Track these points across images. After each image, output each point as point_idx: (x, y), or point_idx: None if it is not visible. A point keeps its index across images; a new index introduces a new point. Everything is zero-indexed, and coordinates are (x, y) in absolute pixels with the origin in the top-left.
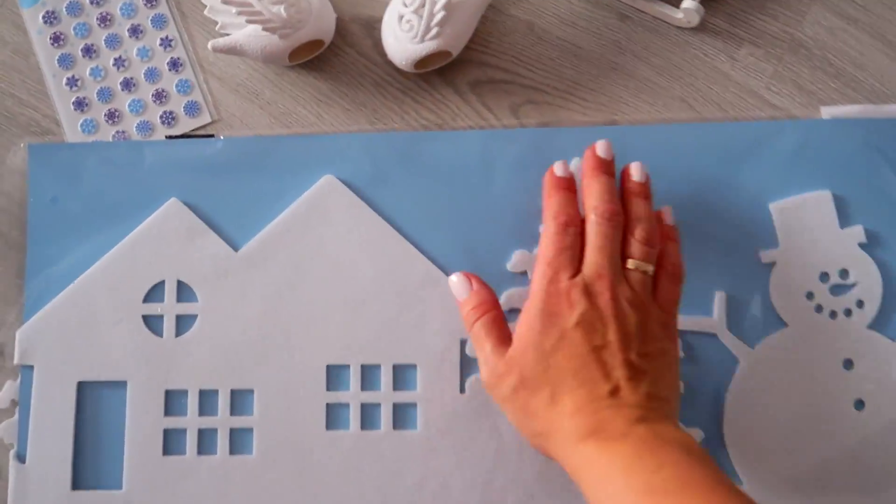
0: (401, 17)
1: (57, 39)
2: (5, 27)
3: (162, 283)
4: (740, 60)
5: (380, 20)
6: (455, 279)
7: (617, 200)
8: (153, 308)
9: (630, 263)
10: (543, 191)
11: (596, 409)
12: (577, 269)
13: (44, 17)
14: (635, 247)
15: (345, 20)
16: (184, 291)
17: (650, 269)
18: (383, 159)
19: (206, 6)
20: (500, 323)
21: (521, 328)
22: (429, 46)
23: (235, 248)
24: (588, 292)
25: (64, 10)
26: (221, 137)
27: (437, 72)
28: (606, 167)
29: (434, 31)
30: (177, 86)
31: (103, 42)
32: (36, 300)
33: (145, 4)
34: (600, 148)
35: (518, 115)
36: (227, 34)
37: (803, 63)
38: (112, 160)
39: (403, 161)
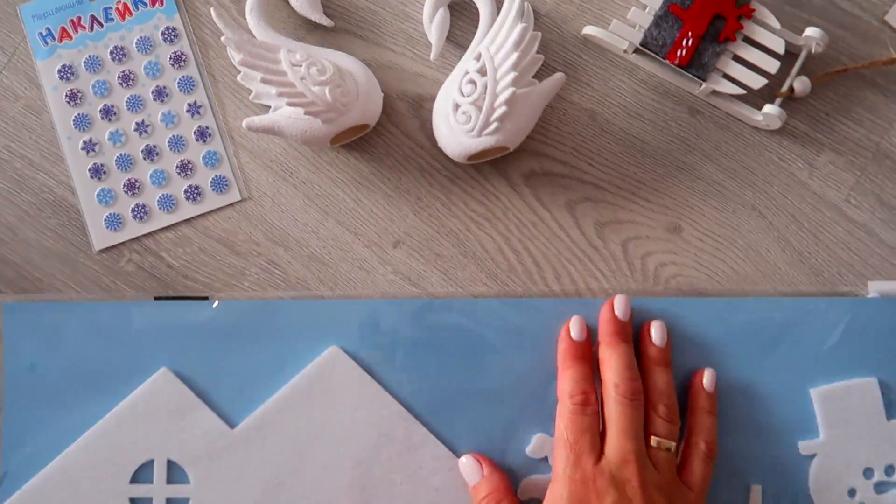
0: (456, 107)
1: (74, 97)
2: (17, 79)
3: (151, 462)
4: (819, 168)
5: (428, 98)
6: (465, 462)
7: (638, 375)
8: (141, 490)
9: (653, 441)
10: (558, 356)
11: None
12: (599, 452)
13: (60, 71)
14: (658, 424)
15: (390, 97)
16: (174, 472)
17: (673, 446)
18: (393, 328)
19: (239, 71)
20: None
21: None
22: (486, 142)
23: (231, 425)
24: (615, 480)
25: (82, 64)
26: (216, 302)
27: (490, 160)
28: (625, 333)
29: (493, 126)
30: (204, 157)
31: (125, 104)
32: (12, 479)
33: (172, 65)
34: (619, 307)
35: (574, 213)
36: (263, 104)
37: (887, 175)
38: (97, 323)
39: (415, 330)
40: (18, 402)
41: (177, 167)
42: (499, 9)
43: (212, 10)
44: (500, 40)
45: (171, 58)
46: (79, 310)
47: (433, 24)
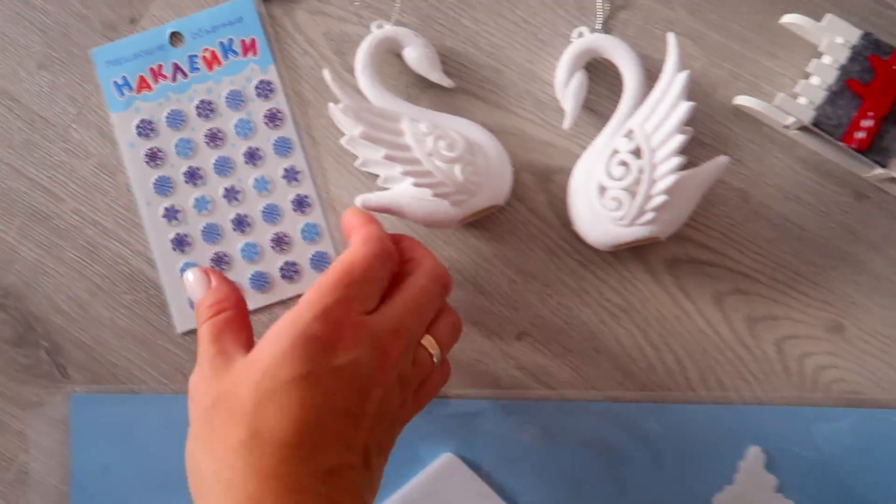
0: (603, 190)
1: (154, 157)
2: (88, 133)
3: None
4: None
5: (557, 171)
6: (191, 276)
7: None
8: None
9: (426, 341)
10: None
11: (298, 481)
12: (371, 310)
13: (138, 127)
14: (444, 330)
15: (514, 168)
16: None
17: (438, 358)
18: (515, 432)
19: (342, 134)
20: (240, 326)
21: (266, 340)
22: (638, 232)
23: None
24: (374, 343)
25: (164, 119)
26: None
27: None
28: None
29: (649, 216)
30: (302, 231)
31: (212, 166)
32: None
33: (266, 123)
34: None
35: (723, 307)
36: (370, 172)
37: None
38: (179, 418)
39: (540, 435)
40: None
41: (271, 241)
42: (646, 75)
43: (325, 72)
44: (657, 118)
45: (265, 115)
46: (159, 402)
47: (569, 89)
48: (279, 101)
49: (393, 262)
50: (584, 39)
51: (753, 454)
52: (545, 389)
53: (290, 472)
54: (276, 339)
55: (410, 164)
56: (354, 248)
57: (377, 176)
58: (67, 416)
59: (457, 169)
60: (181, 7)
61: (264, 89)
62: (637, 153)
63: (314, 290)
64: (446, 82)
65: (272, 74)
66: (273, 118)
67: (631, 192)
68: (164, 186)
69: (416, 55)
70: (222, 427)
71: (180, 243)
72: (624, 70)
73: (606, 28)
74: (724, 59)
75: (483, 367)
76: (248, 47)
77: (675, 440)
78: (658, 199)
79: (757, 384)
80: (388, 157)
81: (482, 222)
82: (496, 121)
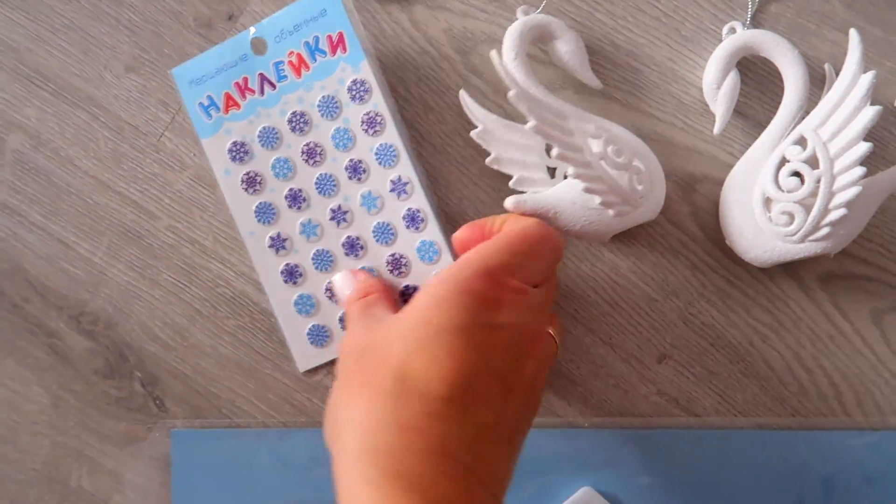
0: (767, 202)
1: (252, 183)
2: (183, 142)
3: None
4: None
5: (702, 180)
6: (338, 279)
7: None
8: None
9: (553, 331)
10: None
11: (441, 442)
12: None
13: (231, 151)
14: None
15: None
16: None
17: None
18: (661, 463)
19: (475, 125)
20: (389, 304)
21: (423, 291)
22: (810, 249)
23: None
24: (534, 314)
25: (257, 139)
26: None
27: None
28: None
29: (824, 231)
30: (419, 249)
31: (314, 186)
32: None
33: (366, 130)
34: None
35: (882, 325)
36: (501, 171)
37: None
38: (287, 454)
39: (687, 467)
40: None
41: (388, 263)
42: (809, 75)
43: (492, 53)
44: (836, 123)
45: (363, 121)
46: (267, 437)
47: (721, 91)
48: (377, 103)
49: (558, 258)
50: (738, 36)
51: None
52: (688, 417)
53: (435, 430)
54: (434, 289)
55: (582, 167)
56: (530, 222)
57: (505, 177)
58: (166, 453)
59: (626, 177)
60: (283, 1)
61: (359, 90)
62: (811, 162)
63: (476, 251)
64: (595, 83)
65: (365, 72)
66: (372, 123)
67: (805, 205)
68: (266, 214)
69: (567, 49)
70: (370, 372)
71: (291, 274)
72: (786, 71)
73: (755, 22)
74: (884, 56)
75: (620, 393)
76: (337, 43)
77: (831, 469)
78: (838, 213)
79: None
80: (561, 157)
81: (619, 235)
82: (635, 124)
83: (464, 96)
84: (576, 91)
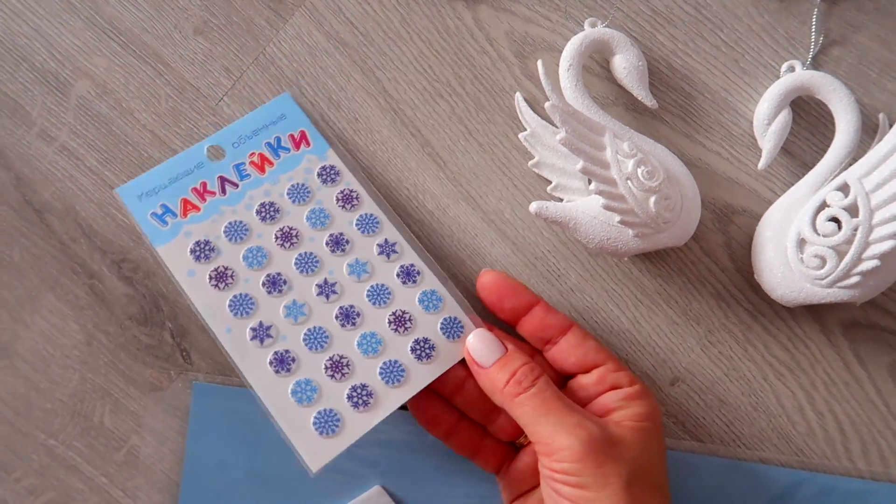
0: (801, 243)
1: (222, 278)
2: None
3: None
4: None
5: (740, 212)
6: (479, 336)
7: None
8: None
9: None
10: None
11: None
12: None
13: (194, 251)
14: None
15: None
16: None
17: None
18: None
19: (525, 127)
20: (553, 385)
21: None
22: (837, 295)
23: None
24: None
25: (223, 235)
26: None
27: None
28: None
29: (854, 280)
30: (421, 301)
31: (294, 267)
32: None
33: (343, 206)
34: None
35: None
36: (545, 179)
37: None
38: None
39: (687, 491)
40: (198, 502)
41: (390, 323)
42: (862, 122)
43: (539, 62)
44: (882, 174)
45: (337, 199)
46: None
47: (771, 128)
48: (349, 182)
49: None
50: (796, 75)
51: None
52: (693, 441)
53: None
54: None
55: (606, 184)
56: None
57: (548, 183)
58: (186, 403)
59: (652, 200)
60: None
61: (329, 174)
62: (851, 210)
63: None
64: (651, 102)
65: (332, 158)
66: (348, 199)
67: (839, 251)
68: (243, 306)
69: (627, 65)
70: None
71: (282, 363)
72: (839, 116)
73: (815, 63)
74: None
75: None
76: (300, 140)
77: None
78: (870, 264)
79: None
80: (585, 171)
81: (649, 255)
82: (681, 149)
83: (519, 99)
84: (626, 108)
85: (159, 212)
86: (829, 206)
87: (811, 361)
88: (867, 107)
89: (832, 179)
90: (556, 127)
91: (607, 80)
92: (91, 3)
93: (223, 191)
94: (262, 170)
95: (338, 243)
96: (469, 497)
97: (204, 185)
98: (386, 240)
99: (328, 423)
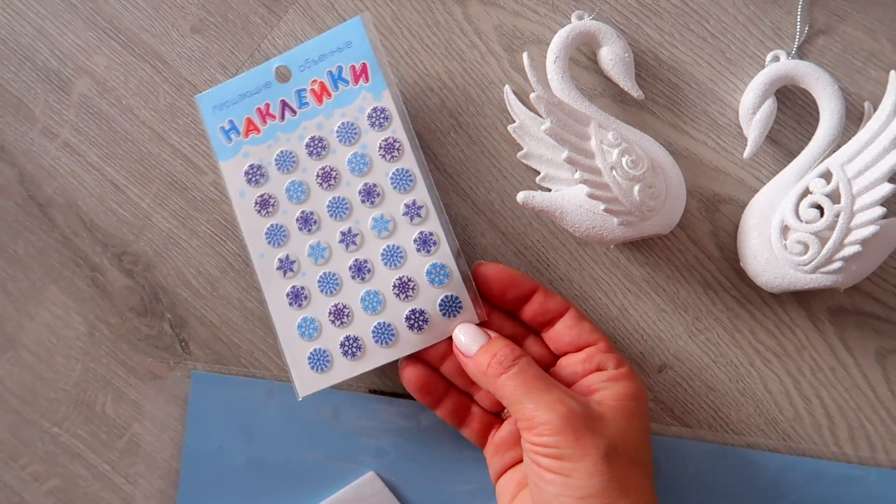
0: (787, 231)
1: (265, 205)
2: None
3: None
4: None
5: (726, 201)
6: (464, 329)
7: None
8: None
9: None
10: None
11: None
12: None
13: (248, 173)
14: None
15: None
16: None
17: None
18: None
19: (514, 119)
20: (536, 366)
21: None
22: (820, 281)
23: None
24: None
25: (273, 163)
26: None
27: None
28: None
29: (836, 265)
30: (428, 273)
31: (326, 210)
32: None
33: (383, 156)
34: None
35: (885, 365)
36: (532, 168)
37: None
38: (299, 408)
39: (673, 477)
40: (197, 488)
41: (394, 286)
42: (846, 111)
43: (525, 54)
44: (864, 161)
45: (381, 147)
46: (280, 391)
47: (756, 117)
48: (395, 129)
49: None
50: (781, 65)
51: None
52: (681, 427)
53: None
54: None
55: (590, 173)
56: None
57: (537, 173)
58: (185, 392)
59: (636, 189)
60: None
61: (378, 117)
62: (834, 197)
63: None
64: (637, 93)
65: (387, 101)
66: (390, 149)
67: (821, 237)
68: (277, 236)
69: (613, 57)
70: (630, 474)
71: (297, 297)
72: (823, 104)
73: (801, 53)
74: None
75: None
76: (360, 74)
77: (813, 497)
78: (851, 249)
79: None
80: (569, 160)
81: (636, 244)
82: (668, 139)
83: (508, 91)
84: (614, 100)
85: (227, 127)
86: (811, 193)
87: (798, 347)
88: (853, 95)
89: (816, 167)
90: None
91: (595, 71)
92: (91, 3)
93: (282, 116)
94: (320, 100)
95: (370, 194)
96: (463, 483)
97: (267, 106)
98: (414, 201)
99: (320, 361)
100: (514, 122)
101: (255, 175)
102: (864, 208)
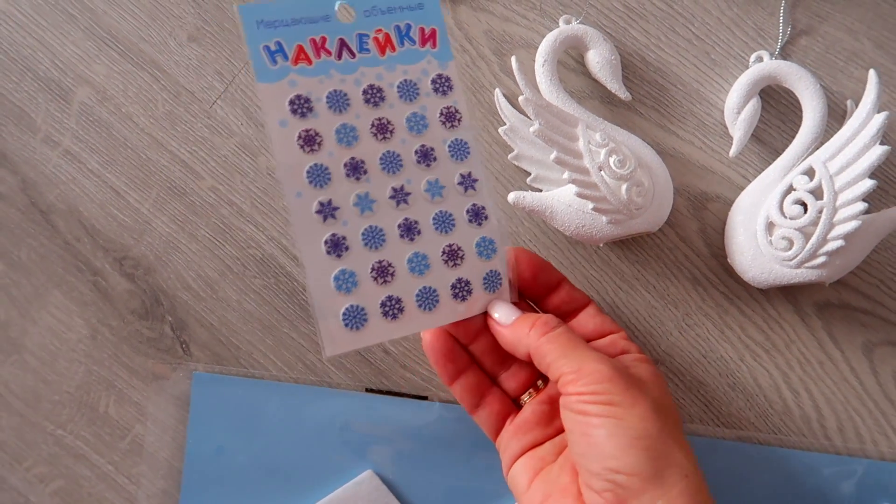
0: (772, 227)
1: (310, 142)
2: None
3: None
4: None
5: (714, 199)
6: (498, 309)
7: None
8: None
9: None
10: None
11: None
12: None
13: (293, 102)
14: None
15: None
16: None
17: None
18: None
19: (504, 122)
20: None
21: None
22: (805, 275)
23: None
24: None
25: (324, 99)
26: (437, 402)
27: None
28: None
29: (820, 260)
30: (478, 245)
31: (378, 161)
32: None
33: (443, 122)
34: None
35: (872, 357)
36: (523, 169)
37: None
38: (298, 408)
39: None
40: (199, 487)
41: (443, 253)
42: (828, 110)
43: (513, 59)
44: (845, 158)
45: (441, 113)
46: (279, 390)
47: (741, 117)
48: (458, 100)
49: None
50: (764, 65)
51: None
52: None
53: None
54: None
55: (578, 173)
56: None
57: (528, 174)
58: (187, 392)
59: (623, 188)
60: None
61: (442, 85)
62: (817, 193)
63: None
64: (624, 94)
65: (451, 71)
66: (450, 117)
67: (805, 233)
68: (320, 177)
69: (600, 59)
70: (668, 434)
71: (336, 246)
72: (805, 103)
73: (784, 53)
74: None
75: None
76: (428, 37)
77: (804, 489)
78: (834, 244)
79: None
80: (558, 161)
81: (627, 242)
82: (655, 139)
83: (498, 95)
84: (602, 101)
85: (273, 48)
86: (795, 190)
87: (786, 342)
88: (835, 94)
89: (799, 164)
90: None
91: (583, 74)
92: (90, 13)
93: (339, 55)
94: (383, 51)
95: (426, 156)
96: (460, 480)
97: (324, 39)
98: (470, 173)
99: (356, 319)
100: (504, 124)
101: (301, 107)
102: (847, 204)
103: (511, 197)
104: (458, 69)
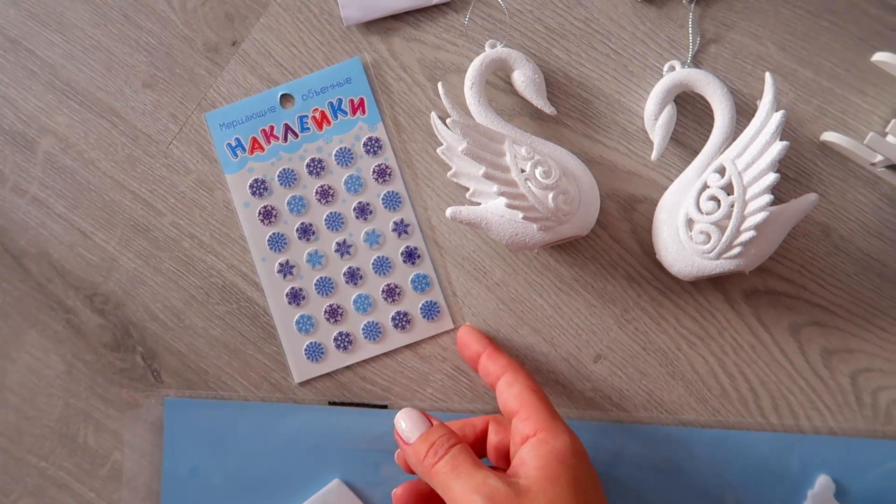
0: (691, 223)
1: (268, 215)
2: (189, 150)
3: None
4: None
5: (641, 200)
6: (406, 415)
7: None
8: None
9: None
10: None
11: None
12: None
13: (252, 186)
14: None
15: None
16: None
17: None
18: (590, 454)
19: (441, 142)
20: (470, 452)
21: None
22: (724, 266)
23: None
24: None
25: (276, 178)
26: (396, 410)
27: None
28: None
29: (736, 250)
30: (412, 281)
31: (323, 222)
32: None
33: (376, 179)
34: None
35: (799, 338)
36: (462, 185)
37: None
38: (266, 425)
39: (611, 458)
40: None
41: (383, 292)
42: (736, 111)
43: (440, 84)
44: (751, 155)
45: (374, 171)
46: (247, 409)
47: (658, 123)
48: (388, 157)
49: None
50: (676, 73)
51: (823, 483)
52: (619, 412)
53: None
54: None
55: (506, 185)
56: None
57: (467, 190)
58: (160, 418)
59: (550, 196)
60: (280, 31)
61: (373, 146)
62: (728, 189)
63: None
64: (549, 109)
65: (380, 132)
66: (382, 174)
67: (720, 226)
68: (278, 243)
69: (524, 79)
70: None
71: (295, 297)
72: (715, 105)
73: (696, 61)
74: (813, 95)
75: (559, 388)
76: (357, 107)
77: (745, 467)
78: (747, 235)
79: (830, 415)
80: (486, 176)
81: (564, 247)
82: (583, 149)
83: (434, 117)
84: (532, 117)
85: (233, 143)
86: (709, 188)
87: (719, 329)
88: (746, 96)
89: (713, 163)
90: None
91: (512, 93)
92: (49, 68)
93: (285, 138)
94: (321, 126)
95: (363, 211)
96: (421, 482)
97: (272, 128)
98: (402, 219)
99: (315, 352)
100: (441, 144)
101: (259, 188)
102: (755, 197)
103: (448, 212)
104: (391, 127)
